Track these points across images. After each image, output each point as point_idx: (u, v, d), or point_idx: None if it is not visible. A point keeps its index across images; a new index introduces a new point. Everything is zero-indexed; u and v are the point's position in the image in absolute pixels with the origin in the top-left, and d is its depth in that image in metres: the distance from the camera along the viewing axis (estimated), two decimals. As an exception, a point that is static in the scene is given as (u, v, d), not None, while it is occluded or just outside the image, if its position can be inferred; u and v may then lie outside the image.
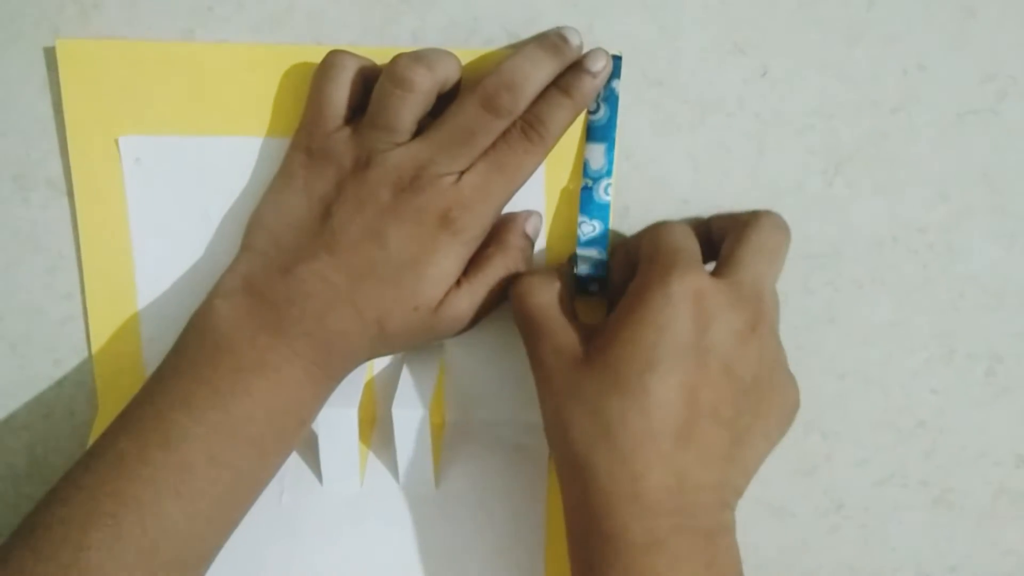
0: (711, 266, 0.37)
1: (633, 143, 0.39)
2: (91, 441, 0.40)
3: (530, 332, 0.37)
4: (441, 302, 0.37)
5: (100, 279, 0.41)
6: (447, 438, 0.42)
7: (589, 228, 0.40)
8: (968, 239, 0.40)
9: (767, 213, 0.37)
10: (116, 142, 0.40)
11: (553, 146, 0.37)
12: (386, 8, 0.38)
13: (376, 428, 0.43)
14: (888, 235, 0.40)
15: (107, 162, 0.40)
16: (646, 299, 0.34)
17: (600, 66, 0.37)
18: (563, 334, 0.36)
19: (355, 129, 0.37)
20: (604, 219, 0.39)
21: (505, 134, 0.37)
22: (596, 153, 0.39)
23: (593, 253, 0.40)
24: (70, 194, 0.41)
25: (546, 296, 0.37)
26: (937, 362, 0.41)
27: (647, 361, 0.33)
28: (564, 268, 0.40)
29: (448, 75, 0.37)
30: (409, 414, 0.39)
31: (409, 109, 0.36)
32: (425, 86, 0.36)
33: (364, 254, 0.36)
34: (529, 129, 0.37)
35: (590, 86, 0.37)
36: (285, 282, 0.37)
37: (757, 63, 0.38)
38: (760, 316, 0.35)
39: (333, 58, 0.38)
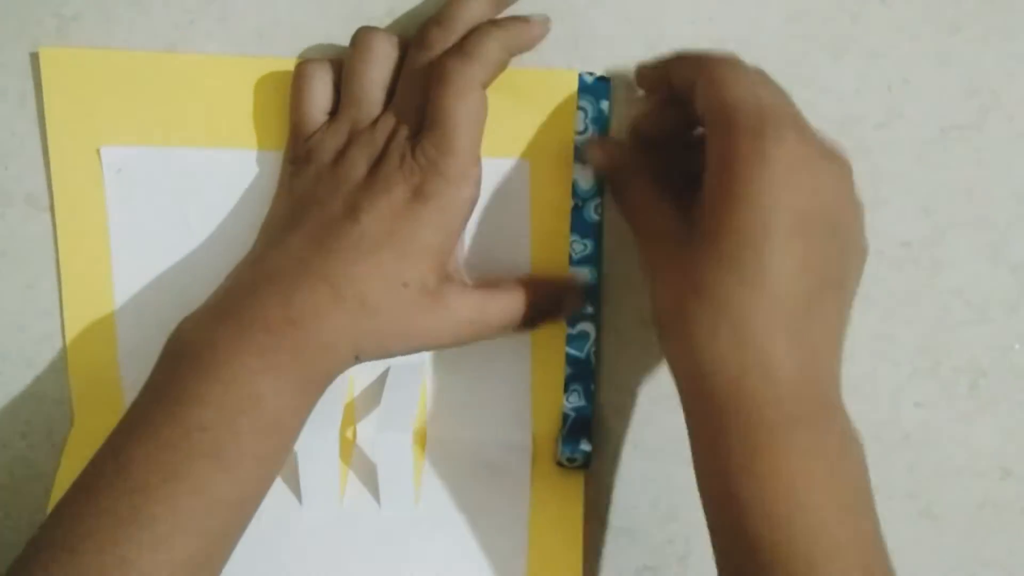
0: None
1: (619, 158, 0.39)
2: (63, 457, 0.40)
3: (633, 209, 0.36)
4: (441, 288, 0.36)
5: (78, 290, 0.40)
6: (428, 455, 0.42)
7: (581, 247, 0.39)
8: (952, 253, 0.40)
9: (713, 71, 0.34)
10: (98, 152, 0.39)
11: (488, 74, 0.35)
12: (370, 22, 0.38)
13: (356, 448, 0.42)
14: (873, 249, 0.40)
15: (88, 172, 0.39)
16: (743, 175, 0.32)
17: (540, 28, 0.36)
18: (668, 208, 0.35)
19: (330, 122, 0.37)
20: (595, 237, 0.39)
21: (438, 64, 0.35)
22: (585, 173, 0.39)
23: (584, 275, 0.39)
24: (50, 209, 0.40)
25: (637, 188, 0.36)
26: (922, 376, 0.41)
27: (761, 242, 0.31)
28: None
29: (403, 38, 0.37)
30: (393, 438, 0.39)
31: (374, 74, 0.36)
32: (383, 47, 0.36)
33: (339, 232, 0.35)
34: (459, 50, 0.35)
35: (527, 31, 0.36)
36: (251, 270, 0.35)
37: (742, 78, 0.38)
38: (846, 163, 0.33)
39: (302, 70, 0.37)
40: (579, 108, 0.38)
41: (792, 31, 0.38)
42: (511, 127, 0.38)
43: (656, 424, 0.42)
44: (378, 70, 0.37)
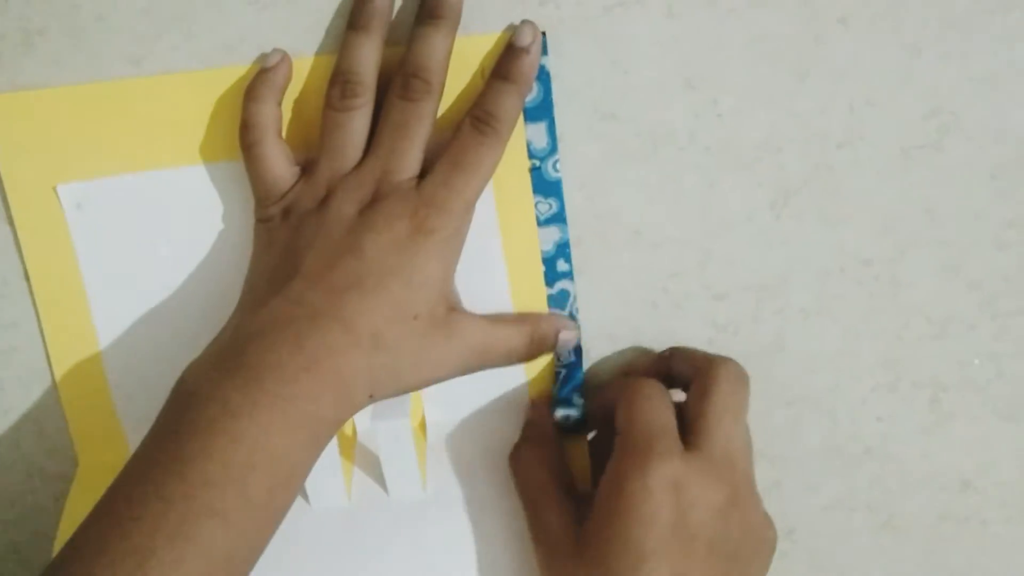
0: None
1: (585, 175, 0.39)
2: (69, 498, 0.40)
3: (527, 506, 0.38)
4: (450, 318, 0.36)
5: (60, 330, 0.40)
6: (430, 439, 0.42)
7: (546, 207, 0.39)
8: (912, 271, 0.41)
9: (725, 365, 0.37)
10: (55, 190, 0.39)
11: (509, 135, 0.37)
12: (338, 36, 0.38)
13: (357, 444, 0.42)
14: (835, 266, 0.40)
15: (50, 212, 0.39)
16: (627, 491, 0.34)
17: (529, 39, 0.37)
18: (557, 516, 0.37)
19: (307, 175, 0.37)
20: (559, 195, 0.39)
21: (457, 131, 0.36)
22: (538, 133, 0.39)
23: (555, 234, 0.40)
24: (12, 229, 0.40)
25: (541, 473, 0.38)
26: (883, 390, 0.42)
27: (637, 555, 0.34)
28: (550, 426, 0.41)
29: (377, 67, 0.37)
30: (391, 425, 0.39)
31: (356, 125, 0.36)
32: (366, 99, 0.36)
33: (342, 269, 0.35)
34: (479, 123, 0.36)
35: (528, 64, 0.37)
36: (256, 316, 0.35)
37: (707, 97, 0.39)
38: (736, 485, 0.35)
39: (256, 136, 0.37)
40: None
41: (755, 52, 0.38)
42: (454, 94, 0.38)
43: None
44: (360, 121, 0.37)
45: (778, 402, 0.42)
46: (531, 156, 0.39)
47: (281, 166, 0.37)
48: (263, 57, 0.38)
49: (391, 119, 0.36)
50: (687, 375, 0.38)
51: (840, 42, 0.38)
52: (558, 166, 0.39)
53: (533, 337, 0.39)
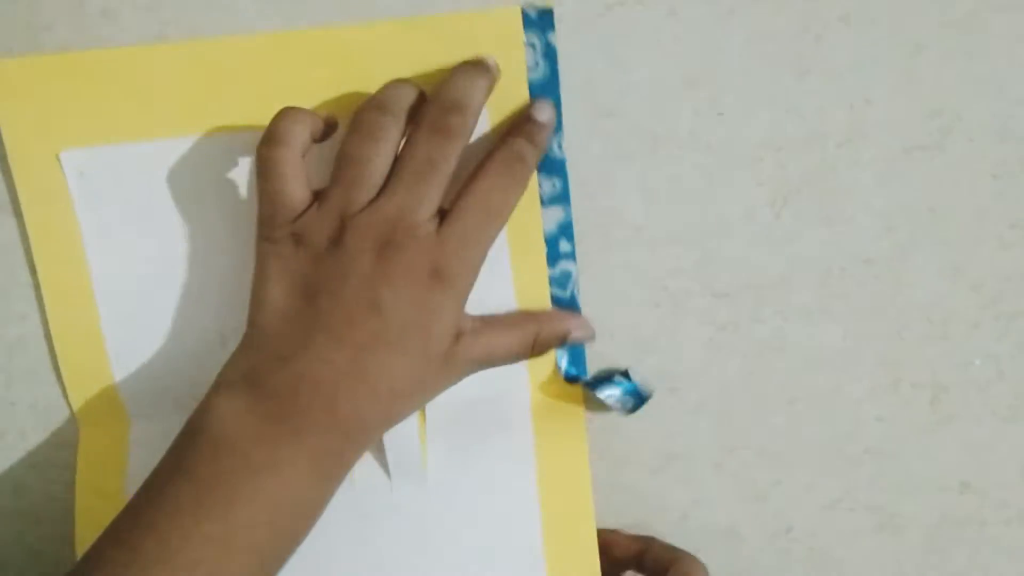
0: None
1: (586, 172, 0.40)
2: (78, 469, 0.41)
3: None
4: (459, 341, 0.36)
5: (60, 300, 0.41)
6: (428, 420, 0.42)
7: (549, 186, 0.39)
8: (913, 271, 0.40)
9: (695, 565, 0.40)
10: (58, 158, 0.39)
11: (530, 178, 0.37)
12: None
13: None
14: (835, 266, 0.40)
15: (52, 179, 0.39)
16: None
17: (547, 116, 0.37)
18: None
19: (321, 202, 0.36)
20: (563, 175, 0.39)
21: (483, 170, 0.36)
22: (542, 109, 0.38)
23: (558, 213, 0.40)
24: (17, 214, 0.40)
25: None
26: (883, 390, 0.42)
27: None
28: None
29: (410, 108, 0.37)
30: None
31: (379, 161, 0.35)
32: (393, 134, 0.36)
33: (363, 327, 0.35)
34: (510, 159, 0.36)
35: (545, 134, 0.37)
36: (286, 371, 0.35)
37: (707, 96, 0.39)
38: None
39: (277, 143, 0.36)
40: (527, 44, 0.38)
41: (756, 50, 0.38)
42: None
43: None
44: (383, 156, 0.35)
45: (778, 401, 0.42)
46: None
47: (298, 189, 0.36)
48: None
49: (416, 153, 0.35)
50: (660, 565, 0.41)
51: (841, 41, 0.38)
52: (563, 145, 0.39)
53: (537, 341, 0.39)
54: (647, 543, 0.42)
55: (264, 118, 0.37)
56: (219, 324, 0.41)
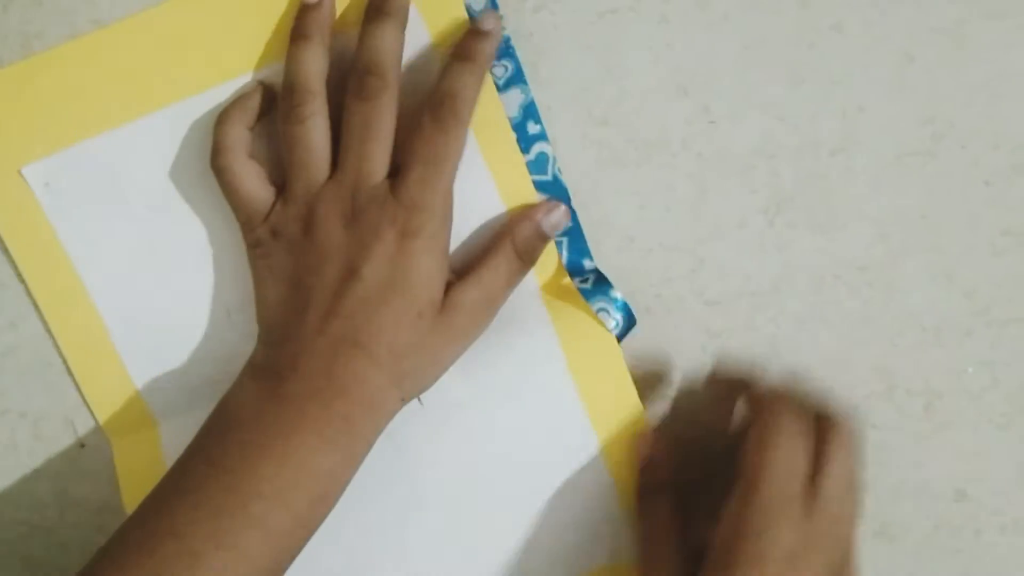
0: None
1: (579, 181, 0.40)
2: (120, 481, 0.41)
3: (646, 548, 0.39)
4: (445, 300, 0.37)
5: (62, 315, 0.40)
6: None
7: (502, 70, 0.39)
8: (906, 278, 0.40)
9: (851, 431, 0.37)
10: (20, 174, 0.39)
11: (470, 117, 0.37)
12: None
13: None
14: (829, 273, 0.40)
15: (22, 196, 0.39)
16: (743, 555, 0.34)
17: (491, 25, 0.37)
18: (671, 564, 0.37)
19: (285, 196, 0.37)
20: (511, 55, 0.38)
21: (418, 126, 0.36)
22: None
23: (516, 96, 0.39)
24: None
25: (663, 518, 0.39)
26: (877, 398, 0.42)
27: None
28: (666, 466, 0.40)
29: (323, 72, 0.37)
30: None
31: (316, 137, 0.36)
32: (316, 109, 0.36)
33: (346, 294, 0.36)
34: (439, 110, 0.36)
35: (489, 46, 0.37)
36: (284, 350, 0.36)
37: (700, 104, 0.39)
38: (846, 554, 0.36)
39: (228, 161, 0.37)
40: None
41: (748, 58, 0.38)
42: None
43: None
44: (317, 133, 0.37)
45: (772, 409, 0.42)
46: (472, 18, 0.38)
47: (256, 186, 0.38)
48: (240, 87, 0.38)
49: (353, 122, 0.36)
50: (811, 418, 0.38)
51: (834, 49, 0.38)
52: (504, 23, 0.38)
53: (519, 249, 0.38)
54: (733, 387, 0.40)
55: (208, 78, 0.38)
56: (223, 299, 0.40)
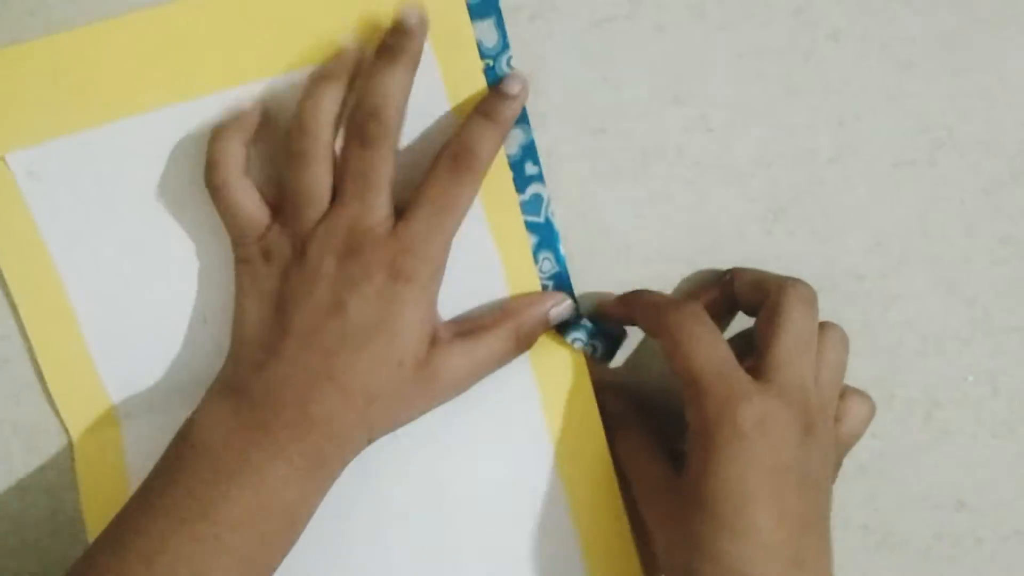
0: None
1: (576, 190, 0.39)
2: (81, 484, 0.41)
3: (633, 478, 0.39)
4: (431, 355, 0.37)
5: (34, 306, 0.40)
6: None
7: None
8: (905, 286, 0.40)
9: (794, 289, 0.36)
10: (4, 160, 0.39)
11: (485, 174, 0.37)
12: None
13: None
14: (827, 282, 0.40)
15: (5, 185, 0.39)
16: (719, 440, 0.35)
17: (517, 89, 0.37)
18: (658, 469, 0.38)
19: (281, 221, 0.37)
20: None
21: (434, 168, 0.37)
22: (486, 30, 0.38)
23: (517, 136, 0.39)
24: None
25: (634, 439, 0.39)
26: (877, 407, 0.41)
27: (740, 498, 0.34)
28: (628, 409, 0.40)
29: (335, 117, 0.37)
30: None
31: (319, 178, 0.36)
32: (321, 152, 0.36)
33: (329, 328, 0.36)
34: (458, 159, 0.36)
35: (512, 109, 0.37)
36: (261, 377, 0.36)
37: (697, 112, 0.39)
38: (810, 415, 0.35)
39: (226, 178, 0.37)
40: None
41: (745, 67, 0.38)
42: (395, 5, 0.37)
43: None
44: (321, 175, 0.37)
45: (771, 419, 0.42)
46: (483, 56, 0.38)
47: (251, 205, 0.37)
48: (236, 106, 0.38)
49: (351, 168, 0.36)
50: (753, 299, 0.38)
51: (831, 58, 0.38)
52: (512, 63, 0.38)
53: (521, 334, 0.38)
54: (730, 281, 0.39)
55: (205, 83, 0.38)
56: (201, 305, 0.40)
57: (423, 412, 0.38)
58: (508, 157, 0.39)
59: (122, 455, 0.41)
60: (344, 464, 0.37)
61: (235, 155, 0.37)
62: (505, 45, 0.38)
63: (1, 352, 0.41)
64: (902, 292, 0.40)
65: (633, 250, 0.40)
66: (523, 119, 0.39)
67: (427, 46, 0.38)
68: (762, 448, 0.35)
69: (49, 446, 0.42)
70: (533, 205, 0.39)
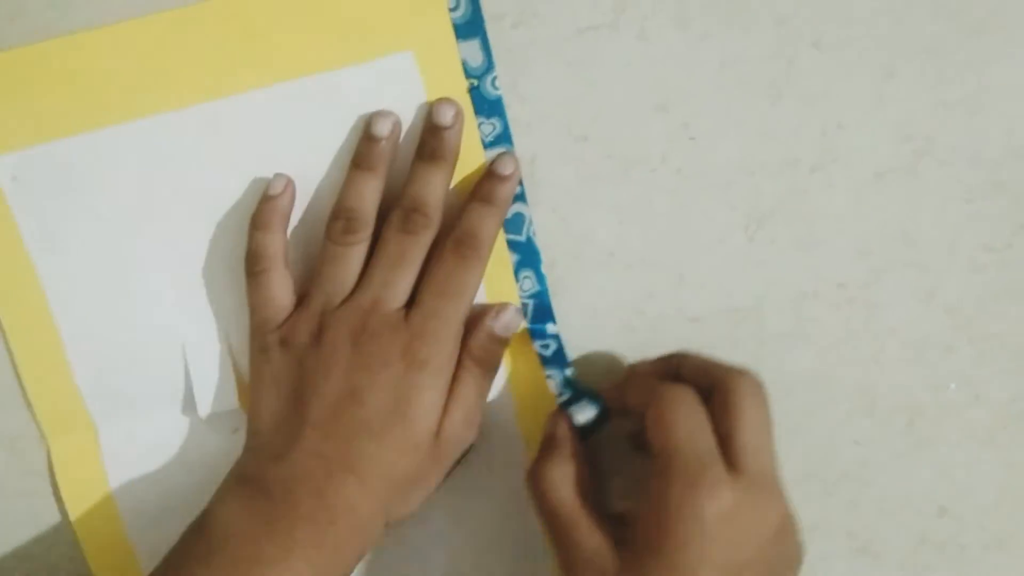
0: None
1: (559, 197, 0.39)
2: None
3: (555, 530, 0.36)
4: (442, 427, 0.37)
5: (14, 308, 0.40)
6: None
7: (489, 128, 0.39)
8: (887, 294, 0.40)
9: (746, 378, 0.36)
10: None
11: (489, 255, 0.38)
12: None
13: None
14: (809, 290, 0.40)
15: None
16: (678, 524, 0.33)
17: (511, 169, 0.38)
18: (592, 540, 0.35)
19: (303, 305, 0.38)
20: (501, 114, 0.39)
21: (439, 258, 0.38)
22: (471, 50, 0.38)
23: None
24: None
25: (568, 492, 0.36)
26: (859, 414, 0.42)
27: None
28: (574, 439, 0.39)
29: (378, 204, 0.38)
30: None
31: (353, 260, 0.38)
32: (361, 238, 0.38)
33: (346, 416, 0.36)
34: (461, 246, 0.37)
35: (507, 190, 0.38)
36: (278, 468, 0.36)
37: (680, 120, 0.39)
38: (781, 511, 0.35)
39: (261, 252, 0.38)
40: None
41: (728, 75, 0.38)
42: (381, 22, 0.38)
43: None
44: (355, 258, 0.38)
45: (754, 425, 0.42)
46: (468, 75, 0.38)
47: (285, 296, 0.38)
48: (267, 184, 0.39)
49: (388, 251, 0.38)
50: (701, 385, 0.36)
51: (813, 66, 0.38)
52: (497, 83, 0.38)
53: (476, 358, 0.38)
54: (676, 365, 0.38)
55: (196, 94, 0.38)
56: (177, 313, 0.40)
57: (437, 486, 0.38)
58: None
59: (99, 457, 0.41)
60: (363, 554, 0.37)
61: (278, 246, 0.38)
62: (490, 65, 0.38)
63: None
64: (884, 300, 0.40)
65: (616, 256, 0.40)
66: (507, 139, 0.39)
67: (412, 64, 0.38)
68: (721, 544, 0.33)
69: (31, 453, 0.42)
70: (515, 224, 0.40)
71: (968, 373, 0.41)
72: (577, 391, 0.40)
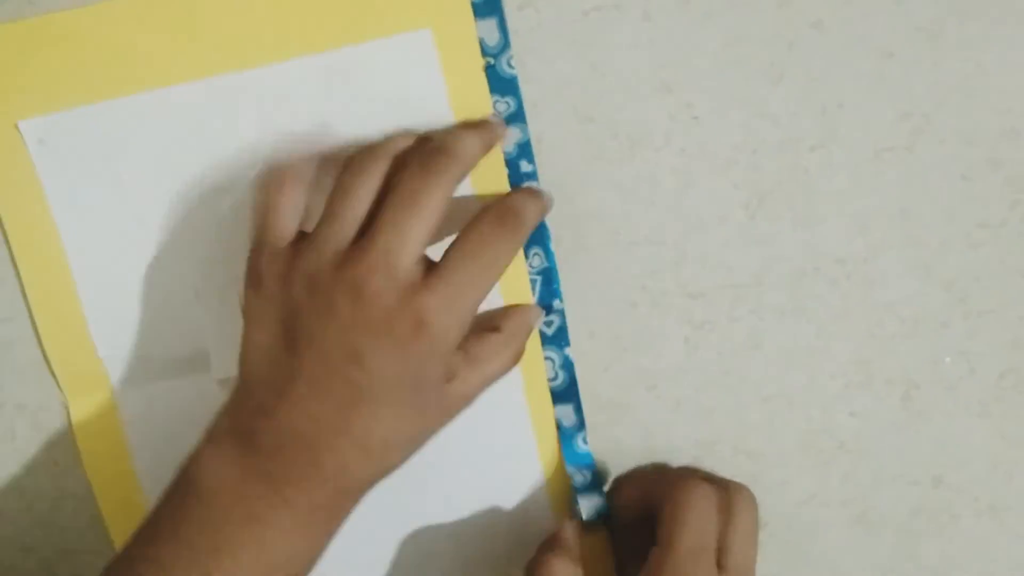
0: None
1: (563, 176, 0.40)
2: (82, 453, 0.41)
3: None
4: (448, 390, 0.35)
5: (35, 271, 0.41)
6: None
7: (504, 106, 0.39)
8: (885, 270, 0.41)
9: (745, 493, 0.39)
10: (16, 128, 0.40)
11: (526, 240, 0.37)
12: None
13: None
14: (809, 266, 0.41)
15: (14, 151, 0.40)
16: None
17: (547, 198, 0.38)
18: None
19: (309, 240, 0.34)
20: (516, 93, 0.39)
21: (476, 221, 0.34)
22: (489, 28, 0.39)
23: (514, 134, 0.39)
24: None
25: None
26: (856, 387, 0.43)
27: None
28: (577, 535, 0.40)
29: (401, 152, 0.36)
30: None
31: (363, 191, 0.34)
32: (378, 169, 0.34)
33: (344, 379, 0.33)
34: (505, 217, 0.34)
35: (543, 204, 0.38)
36: (270, 424, 0.34)
37: (683, 100, 0.39)
38: None
39: (285, 170, 0.36)
40: None
41: (730, 55, 0.39)
42: (400, 1, 0.38)
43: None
44: (366, 189, 0.34)
45: (754, 398, 0.43)
46: (485, 54, 0.39)
47: (290, 214, 0.35)
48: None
49: (400, 187, 0.33)
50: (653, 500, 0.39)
51: (814, 47, 0.39)
52: (513, 63, 0.39)
53: (517, 354, 0.38)
54: (653, 482, 0.41)
55: (218, 65, 0.39)
56: (193, 279, 0.41)
57: (430, 439, 0.37)
58: (504, 154, 0.40)
59: (118, 418, 0.42)
60: (354, 508, 0.35)
61: (303, 173, 0.36)
62: (506, 44, 0.39)
63: (6, 334, 0.42)
64: (882, 276, 0.41)
65: (620, 234, 0.41)
66: (521, 118, 0.39)
67: (429, 41, 0.39)
68: None
69: (53, 424, 0.43)
70: None
71: (963, 347, 0.42)
72: (589, 484, 0.42)
